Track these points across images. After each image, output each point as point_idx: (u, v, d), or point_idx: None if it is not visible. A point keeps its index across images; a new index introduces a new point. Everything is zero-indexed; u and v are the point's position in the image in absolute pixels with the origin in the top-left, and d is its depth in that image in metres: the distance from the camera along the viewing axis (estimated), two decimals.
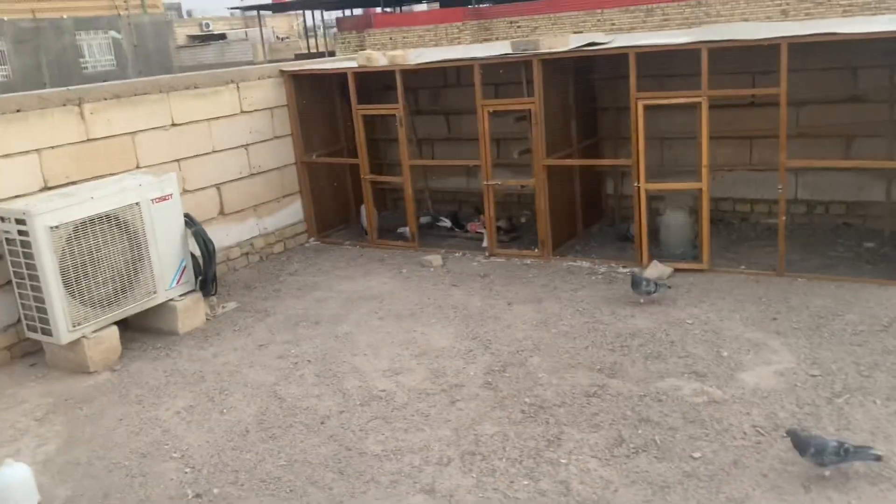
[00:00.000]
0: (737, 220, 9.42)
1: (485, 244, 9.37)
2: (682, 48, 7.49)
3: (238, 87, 9.18)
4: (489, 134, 8.65)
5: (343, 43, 38.90)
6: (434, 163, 10.63)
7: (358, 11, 44.14)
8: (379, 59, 9.42)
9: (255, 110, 9.45)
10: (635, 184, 7.92)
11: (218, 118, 8.94)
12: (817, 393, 5.29)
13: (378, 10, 42.27)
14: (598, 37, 9.26)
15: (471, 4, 37.49)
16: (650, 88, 9.19)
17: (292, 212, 10.07)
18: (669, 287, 7.14)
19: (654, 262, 7.88)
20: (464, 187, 11.12)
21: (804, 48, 7.47)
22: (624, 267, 8.14)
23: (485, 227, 9.47)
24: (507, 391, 5.73)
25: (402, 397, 5.79)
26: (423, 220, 10.15)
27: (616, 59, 9.22)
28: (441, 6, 42.48)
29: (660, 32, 11.81)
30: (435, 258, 8.81)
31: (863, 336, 6.04)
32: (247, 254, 9.43)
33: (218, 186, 9.00)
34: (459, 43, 33.48)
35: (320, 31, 50.09)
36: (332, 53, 39.99)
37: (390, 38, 36.91)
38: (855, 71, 8.38)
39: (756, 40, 7.09)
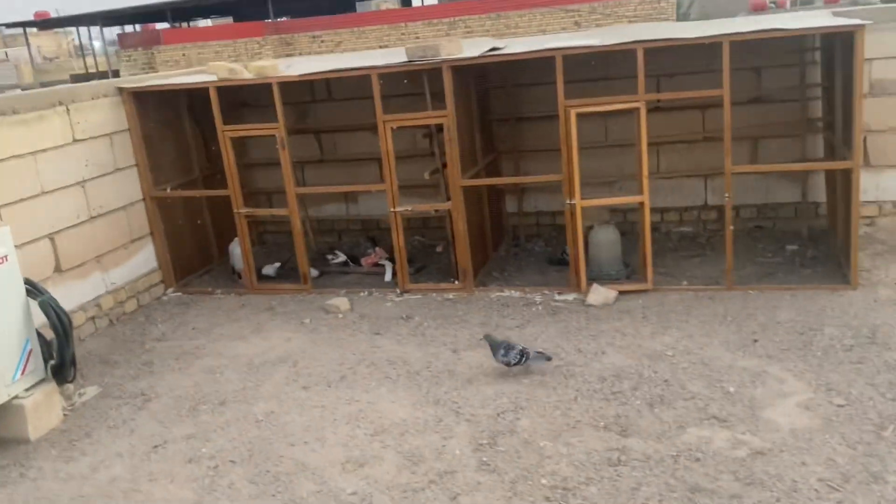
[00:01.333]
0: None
1: (387, 279, 8.17)
2: (615, 49, 6.79)
3: (68, 109, 7.26)
4: (393, 154, 7.45)
5: (129, 61, 35.47)
6: (324, 189, 9.16)
7: (129, 28, 40.55)
8: (242, 71, 7.91)
9: (91, 137, 7.56)
10: (569, 201, 7.11)
11: (45, 150, 7.00)
12: (859, 427, 4.71)
13: (161, 25, 39.08)
14: (493, 42, 8.40)
15: (268, 19, 35.66)
16: (551, 95, 8.55)
17: (144, 259, 8.24)
18: (549, 359, 5.79)
19: (595, 286, 7.12)
20: (343, 215, 9.81)
21: (708, 50, 7.07)
22: (559, 294, 7.31)
23: (387, 260, 8.29)
24: (512, 472, 4.62)
25: (383, 500, 4.49)
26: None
27: (512, 66, 8.47)
28: (235, 21, 40.13)
29: (573, 34, 11.11)
30: (340, 301, 7.47)
31: (857, 352, 5.62)
32: (93, 318, 7.50)
33: (51, 237, 7.04)
34: (260, 57, 31.62)
35: (97, 49, 45.59)
36: (115, 73, 36.30)
37: (183, 55, 34.18)
38: (759, 72, 8.18)
39: (696, 39, 6.55)
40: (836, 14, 7.49)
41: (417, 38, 32.54)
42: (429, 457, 4.86)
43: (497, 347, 5.69)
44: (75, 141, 7.34)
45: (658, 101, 8.25)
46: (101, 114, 7.67)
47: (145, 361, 6.78)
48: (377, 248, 8.73)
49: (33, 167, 6.85)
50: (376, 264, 8.43)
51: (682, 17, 35.70)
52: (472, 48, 7.77)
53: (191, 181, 8.83)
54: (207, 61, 32.80)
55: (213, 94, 7.76)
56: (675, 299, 6.93)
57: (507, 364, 5.65)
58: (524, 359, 5.69)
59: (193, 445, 5.30)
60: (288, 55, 33.27)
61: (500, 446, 4.89)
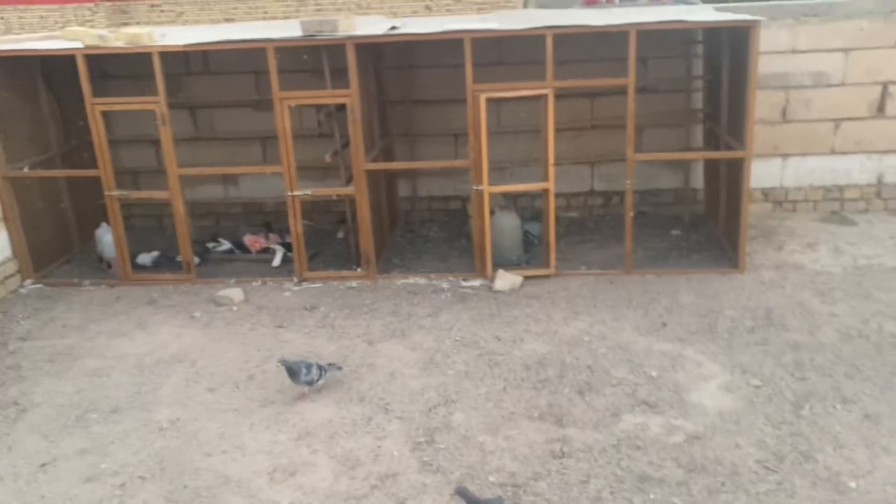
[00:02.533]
0: (536, 216, 9.03)
1: (275, 264, 7.72)
2: (525, 34, 6.71)
3: None
4: (290, 134, 6.98)
5: None
6: (210, 171, 8.34)
7: None
8: (111, 38, 7.11)
9: None
10: (476, 187, 6.98)
11: None
12: (779, 407, 4.96)
13: None
14: (391, 21, 8.08)
15: None
16: (447, 79, 8.38)
17: None
18: (340, 368, 5.51)
19: (501, 271, 7.07)
20: (221, 197, 9.14)
21: (599, 39, 7.19)
22: (465, 280, 7.20)
23: (280, 244, 7.83)
24: (457, 471, 4.46)
25: None
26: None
27: (409, 48, 8.22)
28: None
29: (473, 17, 10.80)
30: (233, 292, 6.94)
31: (759, 333, 5.93)
32: None
33: None
34: (93, 26, 29.13)
35: None
36: None
37: (1, 17, 30.87)
38: (645, 62, 8.42)
39: (605, 27, 6.59)
40: (672, 7, 7.84)
41: (266, 12, 31.11)
42: (365, 460, 4.59)
43: (298, 370, 5.16)
44: None
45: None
46: None
47: (11, 365, 5.97)
48: (271, 234, 8.21)
49: None
50: (265, 249, 7.92)
51: (524, 7, 36.72)
52: (367, 26, 7.43)
53: (48, 159, 7.87)
54: (30, 26, 29.86)
55: (80, 63, 6.91)
56: (579, 284, 7.02)
57: (311, 383, 5.18)
58: (323, 373, 5.23)
59: (90, 461, 4.71)
60: (124, 24, 30.80)
61: (439, 444, 4.71)
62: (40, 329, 6.58)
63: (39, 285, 7.52)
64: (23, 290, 7.43)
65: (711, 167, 8.28)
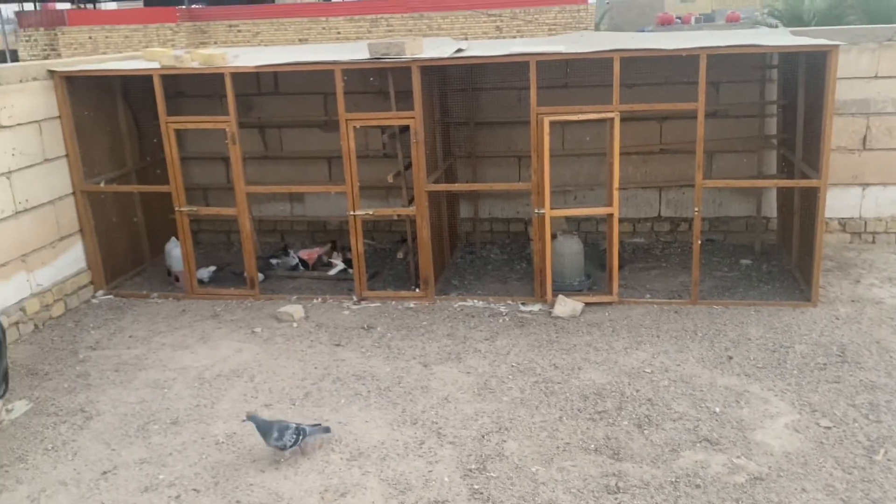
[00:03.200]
0: (601, 241, 8.88)
1: (331, 273, 7.80)
2: (591, 57, 6.64)
3: None
4: (355, 154, 7.06)
5: (28, 41, 33.30)
6: (275, 189, 8.52)
7: (28, 6, 38.02)
8: (187, 59, 7.34)
9: (19, 124, 6.84)
10: (538, 210, 6.90)
11: None
12: (850, 450, 4.70)
13: (62, 5, 36.80)
14: (457, 43, 8.12)
15: (182, 5, 34.21)
16: (511, 101, 8.37)
17: (72, 259, 7.53)
18: (327, 430, 5.01)
19: (561, 297, 6.96)
20: (288, 215, 9.30)
21: (670, 62, 7.05)
22: (524, 304, 7.11)
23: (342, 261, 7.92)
24: (507, 501, 4.37)
25: None
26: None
27: (473, 70, 8.24)
28: (146, 5, 38.25)
29: (541, 39, 10.78)
30: (294, 309, 7.02)
31: (832, 371, 5.65)
32: (17, 323, 6.79)
33: None
34: (174, 46, 30.28)
35: None
36: (13, 53, 33.96)
37: (90, 38, 32.40)
38: (717, 86, 8.22)
39: (675, 51, 6.46)
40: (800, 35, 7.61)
41: (339, 33, 31.91)
42: (416, 484, 4.54)
43: (268, 430, 4.72)
44: (1, 128, 6.61)
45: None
46: (30, 99, 6.95)
47: (80, 373, 6.16)
48: (335, 252, 8.32)
49: None
50: (320, 260, 8.01)
51: (595, 28, 36.47)
52: (433, 48, 7.48)
53: (124, 175, 8.16)
54: (116, 46, 31.21)
55: (157, 83, 7.15)
56: (642, 313, 6.85)
57: (283, 448, 4.72)
58: (301, 437, 4.76)
59: (148, 472, 4.79)
60: (203, 44, 31.98)
61: (491, 472, 4.63)
62: (109, 339, 6.78)
63: (110, 296, 7.77)
64: (95, 301, 7.68)
65: (785, 195, 8.00)
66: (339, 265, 8.08)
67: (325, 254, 8.42)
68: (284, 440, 4.70)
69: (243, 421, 4.99)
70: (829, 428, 4.94)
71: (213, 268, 8.18)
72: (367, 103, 7.90)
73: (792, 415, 5.11)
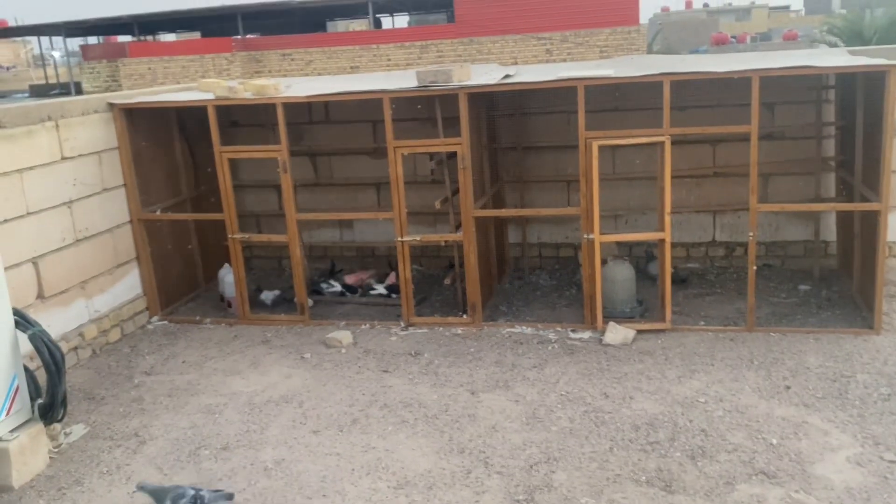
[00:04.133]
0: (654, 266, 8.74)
1: (380, 290, 7.82)
2: (640, 81, 6.58)
3: (57, 125, 6.78)
4: (402, 180, 7.11)
5: (92, 73, 34.70)
6: (326, 216, 8.74)
7: (92, 39, 39.59)
8: (240, 90, 7.51)
9: (80, 155, 7.09)
10: (587, 236, 6.83)
11: (32, 167, 6.51)
12: None
13: (124, 38, 38.21)
14: (504, 69, 8.15)
15: (238, 35, 35.16)
16: (559, 125, 8.33)
17: (129, 285, 7.73)
18: (230, 498, 4.69)
19: (612, 324, 6.85)
20: (337, 240, 9.40)
21: (720, 84, 6.93)
22: (574, 331, 7.02)
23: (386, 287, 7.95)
24: None
25: None
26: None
27: (521, 95, 8.24)
28: (203, 36, 39.47)
29: (591, 62, 10.74)
30: (342, 335, 7.06)
31: (895, 402, 5.41)
32: (76, 348, 6.98)
33: (35, 261, 6.53)
34: (229, 75, 31.12)
35: (57, 59, 44.57)
36: (77, 85, 35.33)
37: (149, 69, 33.56)
38: (771, 108, 8.06)
39: (726, 73, 6.36)
40: (857, 55, 7.42)
41: (389, 60, 32.38)
42: None
43: (161, 498, 4.50)
44: (63, 159, 6.86)
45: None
46: (91, 130, 7.20)
47: (135, 398, 6.29)
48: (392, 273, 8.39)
49: (19, 185, 6.36)
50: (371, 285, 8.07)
51: (648, 49, 36.19)
52: (481, 75, 7.51)
53: (179, 203, 8.37)
54: (174, 76, 32.21)
55: (211, 113, 7.35)
56: (696, 340, 6.69)
57: None
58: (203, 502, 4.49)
59: None
60: (257, 73, 32.80)
61: (539, 503, 4.54)
62: (163, 364, 6.92)
63: (165, 322, 7.93)
64: (150, 327, 7.86)
65: (845, 219, 7.76)
66: (380, 289, 8.12)
67: (371, 277, 8.47)
68: None
69: (133, 492, 4.79)
70: (893, 462, 4.72)
71: (277, 291, 8.29)
72: (415, 130, 7.96)
73: (854, 448, 4.90)
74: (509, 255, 8.95)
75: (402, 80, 7.53)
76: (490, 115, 8.20)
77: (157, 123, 8.06)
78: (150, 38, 40.89)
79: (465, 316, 7.31)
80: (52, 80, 40.69)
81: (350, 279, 8.50)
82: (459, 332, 7.17)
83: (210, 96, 7.48)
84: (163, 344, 7.39)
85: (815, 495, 4.46)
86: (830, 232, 8.25)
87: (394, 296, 7.90)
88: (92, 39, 40.11)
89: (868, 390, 5.61)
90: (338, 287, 8.26)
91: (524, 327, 7.18)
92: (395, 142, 7.01)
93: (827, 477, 4.62)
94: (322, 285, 8.38)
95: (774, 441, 5.03)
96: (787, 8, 65.77)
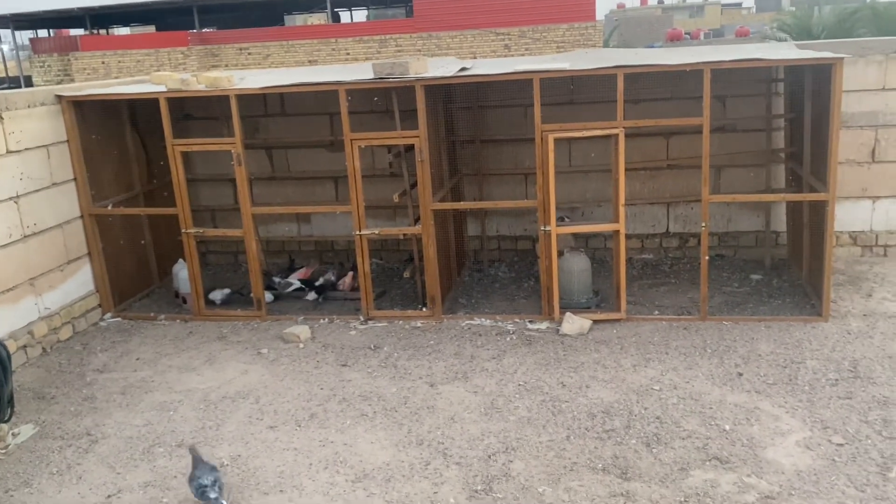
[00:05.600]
0: (608, 257, 8.83)
1: (341, 286, 7.76)
2: (595, 73, 6.63)
3: (2, 117, 6.59)
4: (360, 174, 7.06)
5: (42, 67, 33.88)
6: (282, 210, 8.65)
7: (43, 32, 38.58)
8: (193, 82, 7.39)
9: (27, 149, 6.90)
10: (543, 227, 6.88)
11: None
12: (863, 468, 4.60)
13: (76, 31, 37.33)
14: (461, 62, 8.15)
15: (194, 29, 34.58)
16: (517, 118, 8.36)
17: (80, 282, 7.56)
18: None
19: (569, 314, 6.91)
20: (295, 234, 9.32)
21: (673, 77, 7.03)
22: (532, 322, 7.06)
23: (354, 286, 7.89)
24: None
25: None
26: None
27: (478, 88, 8.25)
28: (158, 30, 38.74)
29: (547, 56, 10.74)
30: (300, 330, 7.00)
31: (843, 387, 5.56)
32: (25, 347, 6.80)
33: None
34: (185, 69, 30.61)
35: (6, 53, 43.35)
36: (27, 79, 34.42)
37: (102, 63, 32.90)
38: (723, 100, 8.19)
39: (678, 66, 6.45)
40: (805, 49, 7.59)
41: (348, 54, 32.17)
42: None
43: (200, 471, 4.50)
44: (9, 152, 6.68)
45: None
46: (38, 123, 7.01)
47: (87, 396, 6.15)
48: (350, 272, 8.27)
49: None
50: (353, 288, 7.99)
51: (605, 45, 36.52)
52: (438, 67, 7.50)
53: (131, 197, 8.21)
54: (128, 70, 31.52)
55: (163, 106, 7.21)
56: (650, 329, 6.78)
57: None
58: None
59: (153, 495, 4.76)
60: (214, 67, 32.30)
61: (497, 493, 4.57)
62: (116, 361, 6.78)
63: (118, 318, 7.78)
64: (103, 323, 7.70)
65: (794, 209, 7.93)
66: (296, 283, 8.06)
67: (323, 272, 8.39)
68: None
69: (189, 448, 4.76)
70: (841, 445, 4.85)
71: (227, 290, 8.17)
72: (373, 123, 7.92)
73: (803, 432, 5.02)
74: (468, 248, 8.97)
75: (359, 72, 7.49)
76: (448, 109, 8.18)
77: (108, 117, 7.89)
78: (102, 31, 40.00)
79: (424, 309, 7.30)
80: (1, 75, 39.57)
81: (299, 275, 8.39)
82: (419, 324, 7.17)
83: (162, 89, 7.34)
84: (116, 341, 7.24)
85: (766, 479, 4.56)
86: (781, 222, 8.44)
87: (307, 289, 7.90)
88: (42, 32, 39.06)
89: (817, 376, 5.75)
90: (296, 283, 8.16)
91: (483, 319, 7.20)
92: (353, 134, 6.96)
93: (778, 461, 4.73)
94: (275, 278, 8.28)
95: (727, 427, 5.13)
96: (739, 5, 67.11)
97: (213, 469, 4.58)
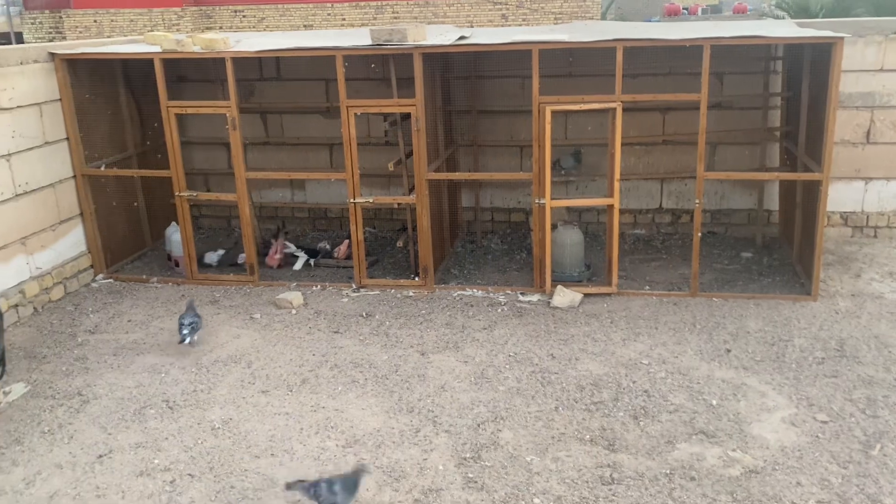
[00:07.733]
0: (601, 231, 8.86)
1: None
2: (594, 46, 6.59)
3: None
4: (355, 141, 7.03)
5: (33, 23, 33.26)
6: (276, 175, 8.58)
7: None
8: (189, 43, 7.31)
9: (19, 107, 6.83)
10: (538, 200, 6.88)
11: None
12: (846, 445, 4.69)
13: None
14: (459, 30, 8.07)
15: None
16: (513, 89, 8.33)
17: (72, 242, 7.53)
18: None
19: (560, 287, 6.95)
20: (288, 201, 9.29)
21: (673, 52, 7.00)
22: (523, 294, 7.10)
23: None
24: (501, 490, 4.37)
25: None
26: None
27: (476, 58, 8.19)
28: None
29: (545, 27, 10.64)
30: (293, 296, 7.02)
31: (830, 366, 5.64)
32: (16, 306, 6.80)
33: None
34: (179, 30, 30.19)
35: None
36: (18, 35, 33.88)
37: (94, 21, 32.29)
38: (721, 77, 8.17)
39: (679, 40, 6.42)
40: (804, 26, 7.55)
41: (344, 19, 31.76)
42: (410, 472, 4.54)
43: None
44: (1, 110, 6.60)
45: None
46: (31, 81, 6.93)
47: (78, 356, 6.17)
48: (278, 239, 8.23)
49: None
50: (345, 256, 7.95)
51: (602, 18, 36.20)
52: (436, 35, 7.43)
53: (125, 159, 8.14)
54: (121, 29, 31.15)
55: (158, 67, 7.13)
56: (641, 304, 6.83)
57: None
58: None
59: (144, 456, 4.80)
60: (208, 28, 31.84)
61: (486, 461, 4.63)
62: (107, 323, 6.79)
63: (110, 280, 7.77)
64: (95, 285, 7.69)
65: (787, 188, 7.96)
66: (302, 258, 8.03)
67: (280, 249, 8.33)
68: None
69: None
70: (825, 422, 4.93)
71: (221, 251, 8.15)
72: (369, 90, 7.87)
73: (789, 409, 5.10)
74: (462, 219, 8.97)
75: (356, 38, 7.41)
76: (445, 78, 8.13)
77: (102, 76, 7.80)
78: None
79: (416, 278, 7.32)
80: None
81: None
82: (411, 294, 7.19)
83: (157, 49, 7.25)
84: (108, 303, 7.24)
85: (750, 454, 4.63)
86: (773, 201, 8.46)
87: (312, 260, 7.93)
88: None
89: (804, 354, 5.82)
90: (298, 252, 8.12)
91: (475, 290, 7.23)
92: (349, 101, 6.91)
93: (763, 436, 4.80)
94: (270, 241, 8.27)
95: (714, 402, 5.20)
96: None
97: (196, 315, 6.05)
